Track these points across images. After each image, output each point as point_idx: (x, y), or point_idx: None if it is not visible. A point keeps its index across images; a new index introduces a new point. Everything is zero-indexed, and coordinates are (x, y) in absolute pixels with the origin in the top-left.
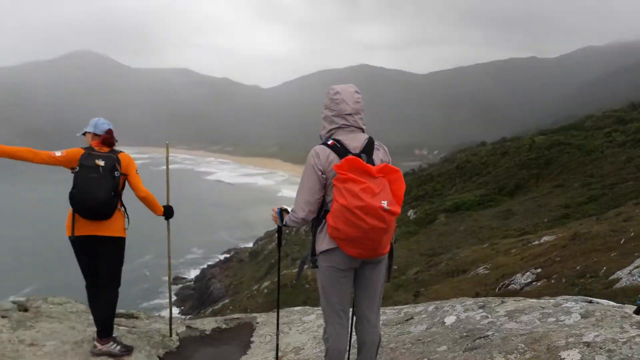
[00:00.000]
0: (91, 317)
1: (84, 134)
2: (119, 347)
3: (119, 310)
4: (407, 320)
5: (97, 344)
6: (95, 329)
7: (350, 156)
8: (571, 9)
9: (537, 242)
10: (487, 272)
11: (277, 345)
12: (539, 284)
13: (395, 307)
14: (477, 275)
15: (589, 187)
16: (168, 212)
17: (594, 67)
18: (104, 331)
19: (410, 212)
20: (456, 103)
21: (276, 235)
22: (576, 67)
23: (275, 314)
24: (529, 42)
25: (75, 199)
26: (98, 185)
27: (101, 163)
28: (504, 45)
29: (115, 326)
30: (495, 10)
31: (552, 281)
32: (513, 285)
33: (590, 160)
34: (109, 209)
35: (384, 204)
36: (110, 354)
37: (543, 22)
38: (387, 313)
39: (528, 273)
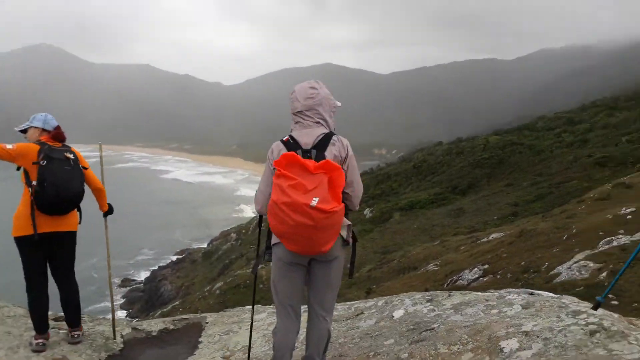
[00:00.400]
0: (29, 321)
1: (24, 130)
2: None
3: (59, 314)
4: (357, 315)
5: (78, 333)
6: (33, 333)
7: (287, 152)
8: (529, 11)
9: (485, 239)
10: (436, 268)
11: (250, 335)
12: (485, 279)
13: (347, 303)
14: (427, 272)
15: (537, 185)
16: (109, 210)
17: (551, 69)
18: (79, 318)
19: (367, 211)
20: (417, 103)
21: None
22: (533, 69)
23: (225, 314)
24: (488, 43)
25: (49, 192)
26: (72, 177)
27: (71, 156)
28: (464, 47)
29: (55, 330)
30: (457, 13)
31: (498, 276)
32: (461, 280)
33: (540, 159)
34: (80, 200)
35: (314, 201)
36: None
37: (502, 24)
38: (338, 309)
39: (476, 269)
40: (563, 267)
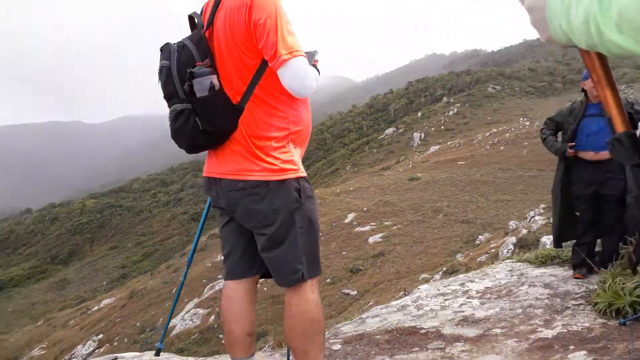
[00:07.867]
0: None
1: None
2: None
3: None
4: None
5: None
6: None
7: None
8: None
9: (96, 308)
10: (43, 352)
11: None
12: (102, 350)
13: None
14: (33, 359)
15: (142, 245)
16: None
17: (135, 134)
18: None
19: None
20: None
21: None
22: (120, 133)
23: None
24: (76, 106)
25: None
26: None
27: None
28: (52, 108)
29: None
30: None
31: (115, 344)
32: (75, 358)
33: (141, 219)
34: None
35: None
36: None
37: (89, 90)
38: None
39: (89, 342)
40: (177, 320)
